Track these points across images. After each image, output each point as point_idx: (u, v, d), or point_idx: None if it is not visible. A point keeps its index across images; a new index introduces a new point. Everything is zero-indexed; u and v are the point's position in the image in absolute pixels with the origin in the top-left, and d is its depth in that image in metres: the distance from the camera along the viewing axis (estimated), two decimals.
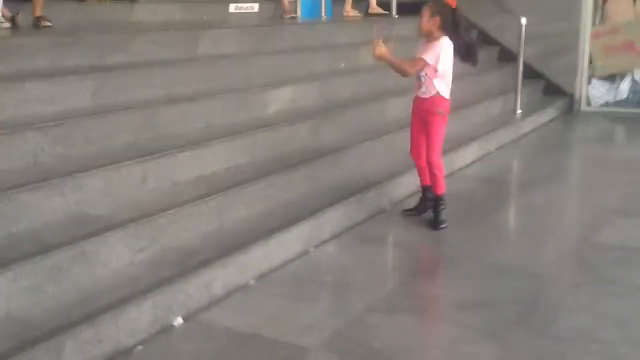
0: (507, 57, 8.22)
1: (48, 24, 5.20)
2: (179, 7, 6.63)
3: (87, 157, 3.61)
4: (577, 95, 8.41)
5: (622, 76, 8.29)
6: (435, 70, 4.11)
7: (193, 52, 5.18)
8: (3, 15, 4.99)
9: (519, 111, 7.22)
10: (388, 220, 4.45)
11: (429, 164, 4.30)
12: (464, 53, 4.20)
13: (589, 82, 8.40)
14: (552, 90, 8.46)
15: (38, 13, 5.20)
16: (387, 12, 8.36)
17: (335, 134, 5.03)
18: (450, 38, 4.12)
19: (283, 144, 4.60)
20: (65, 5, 5.73)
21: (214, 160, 4.09)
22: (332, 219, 4.06)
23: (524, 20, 7.12)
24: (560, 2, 8.19)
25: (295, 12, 7.82)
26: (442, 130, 4.29)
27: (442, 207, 4.30)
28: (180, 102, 4.39)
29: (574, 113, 8.34)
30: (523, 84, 7.32)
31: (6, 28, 4.99)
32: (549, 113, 7.87)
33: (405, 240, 4.21)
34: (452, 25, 4.12)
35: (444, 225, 4.26)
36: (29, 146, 3.42)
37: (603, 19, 8.41)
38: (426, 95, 4.24)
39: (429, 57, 4.09)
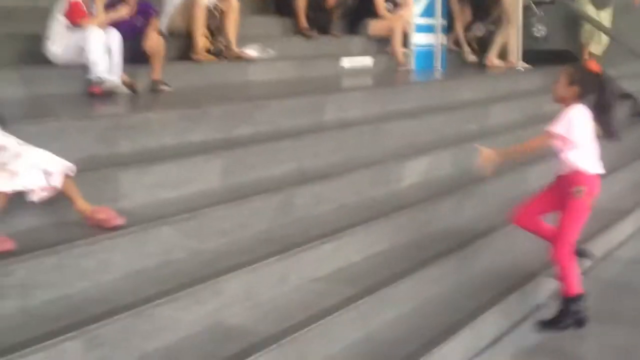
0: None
1: (166, 88, 4.95)
2: (292, 64, 6.31)
3: (221, 251, 3.23)
4: None
5: None
6: (568, 141, 3.55)
7: (319, 119, 4.79)
8: (123, 83, 4.75)
9: None
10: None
11: (554, 261, 3.66)
12: (606, 129, 3.65)
13: None
14: None
15: (157, 76, 4.95)
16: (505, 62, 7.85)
17: (478, 210, 4.50)
18: (592, 112, 3.58)
19: (423, 226, 4.11)
20: (178, 65, 5.48)
21: (352, 249, 3.63)
22: (492, 321, 3.51)
23: None
24: None
25: (409, 64, 7.41)
26: (581, 218, 3.65)
27: (574, 309, 3.61)
28: (313, 181, 3.96)
29: None
30: None
31: (126, 94, 4.74)
32: None
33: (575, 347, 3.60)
34: (597, 100, 3.56)
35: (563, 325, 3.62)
36: (161, 242, 3.06)
37: None
38: (564, 173, 3.66)
39: (557, 127, 3.54)
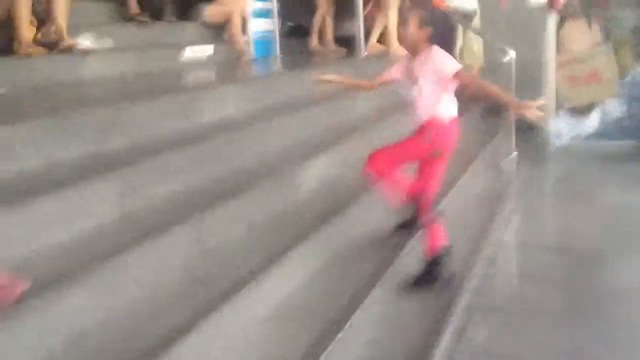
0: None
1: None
2: (130, 56, 5.47)
3: (142, 309, 2.51)
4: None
5: (591, 108, 8.03)
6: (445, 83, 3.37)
7: (197, 122, 4.10)
8: None
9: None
10: None
11: (418, 200, 3.59)
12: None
13: (557, 116, 8.06)
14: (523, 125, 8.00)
15: None
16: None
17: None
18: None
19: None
20: (3, 63, 4.45)
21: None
22: None
23: (513, 54, 6.51)
24: (524, 32, 7.76)
25: (249, 53, 6.85)
26: (443, 165, 3.64)
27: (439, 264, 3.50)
28: (218, 200, 3.32)
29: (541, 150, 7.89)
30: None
31: None
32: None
33: None
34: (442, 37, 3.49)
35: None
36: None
37: (559, 48, 8.11)
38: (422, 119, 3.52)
39: (455, 65, 3.37)
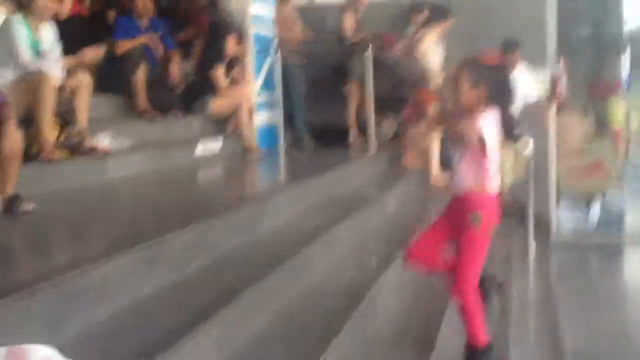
0: None
1: (27, 208, 3.40)
2: (148, 156, 5.01)
3: None
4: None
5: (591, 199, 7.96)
6: (484, 150, 2.92)
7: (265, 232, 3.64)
8: None
9: None
10: None
11: (456, 295, 3.12)
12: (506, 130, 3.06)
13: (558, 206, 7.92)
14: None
15: (10, 190, 3.38)
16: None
17: None
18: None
19: None
20: (26, 169, 3.90)
21: None
22: None
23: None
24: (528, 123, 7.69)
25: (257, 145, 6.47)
26: (483, 249, 3.10)
27: None
28: None
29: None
30: None
31: None
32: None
33: None
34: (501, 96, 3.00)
35: None
36: None
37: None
38: (460, 193, 3.12)
39: (478, 125, 2.91)
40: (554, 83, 7.53)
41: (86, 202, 3.84)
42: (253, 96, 6.61)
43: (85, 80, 4.39)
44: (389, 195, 5.31)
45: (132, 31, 5.76)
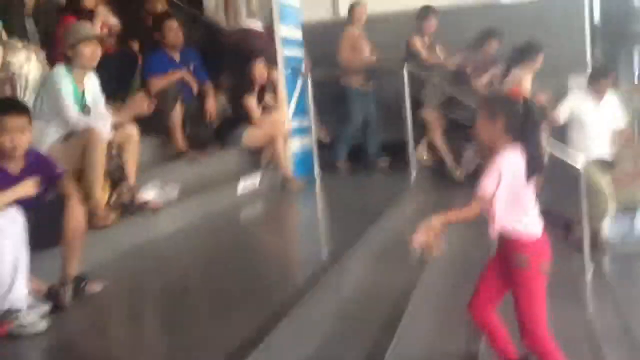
0: None
1: (97, 288, 3.10)
2: (194, 204, 4.70)
3: None
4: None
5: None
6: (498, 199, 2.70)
7: None
8: (36, 293, 2.83)
9: None
10: None
11: (530, 346, 2.85)
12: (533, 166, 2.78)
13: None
14: None
15: (73, 270, 3.07)
16: None
17: None
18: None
19: None
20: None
21: None
22: None
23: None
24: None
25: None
26: (539, 290, 2.82)
27: None
28: None
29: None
30: None
31: (46, 316, 2.79)
32: None
33: None
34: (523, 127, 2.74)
35: None
36: None
37: None
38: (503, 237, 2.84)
39: (483, 186, 2.69)
40: None
41: (154, 268, 3.55)
42: (287, 123, 6.30)
43: (133, 133, 4.08)
44: None
45: (165, 66, 5.42)
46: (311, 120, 6.68)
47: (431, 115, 6.86)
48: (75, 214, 3.00)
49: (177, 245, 4.09)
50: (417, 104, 6.71)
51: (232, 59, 6.35)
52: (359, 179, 6.77)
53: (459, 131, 6.44)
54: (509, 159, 2.70)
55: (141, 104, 3.87)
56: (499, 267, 2.91)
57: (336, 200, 5.80)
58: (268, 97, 6.27)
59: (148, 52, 5.54)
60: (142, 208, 4.08)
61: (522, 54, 6.27)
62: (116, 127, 3.95)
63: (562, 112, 6.31)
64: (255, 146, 6.15)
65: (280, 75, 6.37)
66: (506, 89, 6.02)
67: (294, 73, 6.61)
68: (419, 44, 6.97)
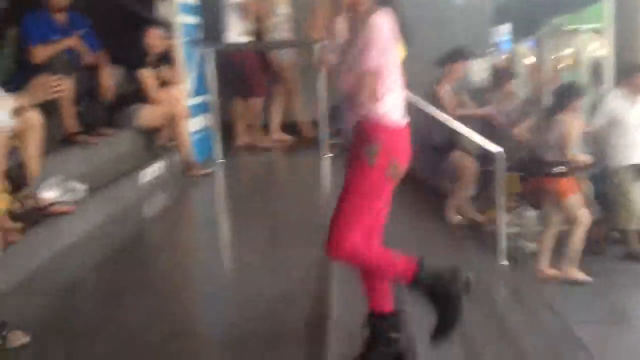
0: None
1: (24, 340, 2.34)
2: (101, 200, 3.90)
3: None
4: None
5: None
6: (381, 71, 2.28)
7: None
8: None
9: None
10: None
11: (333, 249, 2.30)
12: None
13: None
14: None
15: None
16: None
17: None
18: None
19: None
20: None
21: None
22: None
23: None
24: None
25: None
26: (374, 193, 2.32)
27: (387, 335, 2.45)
28: None
29: None
30: None
31: None
32: None
33: None
34: None
35: None
36: None
37: None
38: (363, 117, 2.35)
39: (370, 59, 2.24)
40: None
41: (82, 295, 2.79)
42: (184, 102, 5.54)
43: (35, 119, 3.21)
44: None
45: (49, 32, 4.46)
46: (213, 97, 5.94)
47: (464, 160, 6.05)
48: None
49: (96, 257, 3.33)
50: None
51: (120, 25, 5.45)
52: (264, 161, 6.17)
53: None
54: (384, 23, 2.23)
55: (48, 84, 3.01)
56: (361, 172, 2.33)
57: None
58: (165, 71, 5.46)
59: (25, 15, 4.51)
60: (47, 213, 3.25)
61: (565, 98, 5.75)
62: (15, 113, 3.06)
63: (601, 117, 6.03)
64: (151, 126, 5.37)
65: (178, 45, 5.57)
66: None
67: (192, 43, 5.83)
68: (446, 95, 6.15)
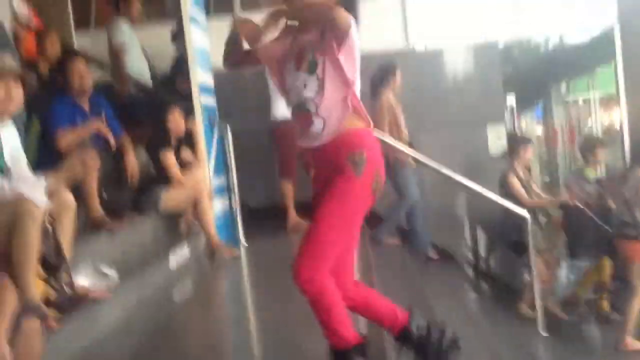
0: None
1: None
2: (133, 287, 3.72)
3: None
4: None
5: None
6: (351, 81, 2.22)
7: None
8: None
9: None
10: None
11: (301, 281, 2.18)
12: None
13: None
14: None
15: None
16: None
17: None
18: None
19: None
20: None
21: None
22: None
23: None
24: None
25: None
26: (357, 211, 2.22)
27: None
28: None
29: None
30: None
31: None
32: None
33: None
34: None
35: None
36: None
37: None
38: (327, 135, 2.24)
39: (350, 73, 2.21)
40: None
41: None
42: (207, 182, 5.42)
43: (69, 201, 3.07)
44: None
45: (73, 117, 4.40)
46: (233, 178, 5.84)
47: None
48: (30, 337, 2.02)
49: (120, 348, 3.10)
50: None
51: (142, 107, 5.42)
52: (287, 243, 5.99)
53: None
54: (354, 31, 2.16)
55: (85, 160, 2.88)
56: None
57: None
58: (186, 152, 5.38)
59: (50, 100, 4.46)
60: (82, 299, 3.07)
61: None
62: (50, 194, 2.93)
63: None
64: (176, 210, 5.23)
65: (199, 126, 5.51)
66: None
67: (210, 124, 5.78)
68: (517, 185, 6.07)
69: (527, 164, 6.44)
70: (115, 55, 5.70)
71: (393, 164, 5.44)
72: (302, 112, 2.24)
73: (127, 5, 5.83)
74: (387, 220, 5.84)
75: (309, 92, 2.22)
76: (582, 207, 5.85)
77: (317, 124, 2.22)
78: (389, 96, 5.92)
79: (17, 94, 2.92)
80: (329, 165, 2.22)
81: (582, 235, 5.83)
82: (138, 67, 5.87)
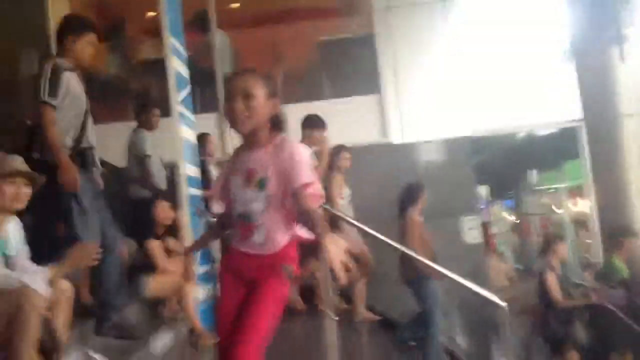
0: None
1: None
2: None
3: None
4: None
5: None
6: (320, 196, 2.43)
7: None
8: None
9: None
10: None
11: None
12: None
13: None
14: None
15: None
16: None
17: None
18: None
19: None
20: None
21: None
22: None
23: None
24: None
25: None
26: (285, 296, 2.48)
27: None
28: None
29: None
30: None
31: None
32: None
33: None
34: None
35: None
36: None
37: None
38: (267, 248, 2.43)
39: (314, 183, 2.39)
40: None
41: None
42: (194, 270, 5.60)
43: (67, 289, 3.25)
44: None
45: None
46: (218, 265, 6.02)
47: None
48: None
49: None
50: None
51: (129, 199, 5.66)
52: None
53: None
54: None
55: (85, 254, 3.10)
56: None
57: None
58: (172, 241, 5.59)
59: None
60: None
61: None
62: (49, 282, 3.12)
63: None
64: (159, 296, 5.38)
65: (185, 216, 5.73)
66: None
67: (195, 214, 6.00)
68: (555, 284, 6.30)
69: (564, 260, 6.51)
70: (141, 165, 6.06)
71: (419, 276, 5.62)
72: (246, 222, 2.40)
73: (149, 116, 6.21)
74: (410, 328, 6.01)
75: (257, 206, 2.37)
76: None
77: (259, 236, 2.40)
78: (416, 215, 6.09)
79: (25, 194, 3.16)
80: (261, 268, 2.42)
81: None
82: (158, 174, 6.21)
